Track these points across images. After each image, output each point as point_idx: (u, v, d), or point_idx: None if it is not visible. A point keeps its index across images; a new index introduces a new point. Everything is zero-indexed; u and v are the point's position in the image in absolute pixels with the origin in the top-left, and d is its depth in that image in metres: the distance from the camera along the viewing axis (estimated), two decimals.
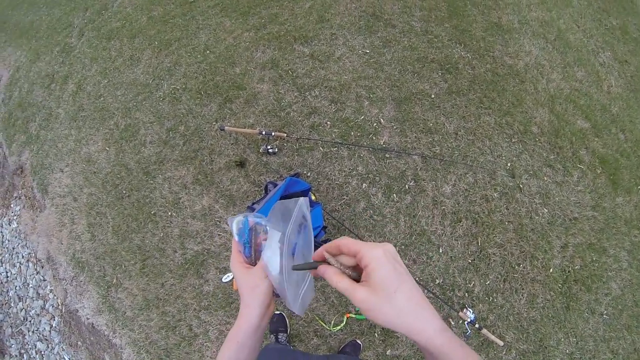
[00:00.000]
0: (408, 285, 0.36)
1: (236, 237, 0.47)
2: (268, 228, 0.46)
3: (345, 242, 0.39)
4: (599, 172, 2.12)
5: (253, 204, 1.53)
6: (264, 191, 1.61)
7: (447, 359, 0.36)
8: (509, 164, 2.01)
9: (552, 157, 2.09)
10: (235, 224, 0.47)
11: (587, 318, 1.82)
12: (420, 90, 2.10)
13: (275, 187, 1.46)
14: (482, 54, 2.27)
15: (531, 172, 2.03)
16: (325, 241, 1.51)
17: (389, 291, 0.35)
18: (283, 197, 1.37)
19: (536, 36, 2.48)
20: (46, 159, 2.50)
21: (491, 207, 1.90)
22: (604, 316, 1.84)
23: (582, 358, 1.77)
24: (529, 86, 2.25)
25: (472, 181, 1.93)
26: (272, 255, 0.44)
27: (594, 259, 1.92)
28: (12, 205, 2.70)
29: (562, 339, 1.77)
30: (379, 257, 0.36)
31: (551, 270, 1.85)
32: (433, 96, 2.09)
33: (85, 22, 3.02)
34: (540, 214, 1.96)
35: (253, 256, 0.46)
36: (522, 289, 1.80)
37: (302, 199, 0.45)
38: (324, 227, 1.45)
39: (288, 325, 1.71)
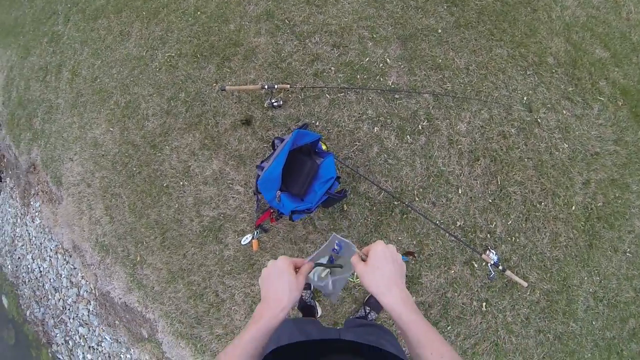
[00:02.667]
0: (387, 269, 0.56)
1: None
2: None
3: (367, 248, 0.60)
4: (620, 104, 1.93)
5: (262, 162, 1.43)
6: (271, 147, 1.51)
7: (405, 327, 0.51)
8: (525, 98, 1.83)
9: (570, 89, 1.90)
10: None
11: (610, 256, 1.73)
12: (426, 26, 1.89)
13: (282, 142, 1.35)
14: None
15: (549, 105, 1.85)
16: (341, 192, 1.41)
17: (374, 268, 0.56)
18: (292, 151, 1.26)
19: None
20: (55, 151, 2.44)
21: (509, 143, 1.76)
22: (627, 254, 1.75)
23: (605, 296, 1.71)
24: (542, 15, 2.02)
25: (488, 117, 1.77)
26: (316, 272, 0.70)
27: (617, 195, 1.79)
28: (32, 203, 2.69)
29: (586, 278, 1.70)
30: (377, 248, 0.58)
31: (573, 207, 1.73)
32: (440, 31, 1.88)
33: (69, 7, 2.83)
34: (560, 150, 1.81)
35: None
36: (545, 227, 1.70)
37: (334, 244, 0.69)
38: (338, 178, 1.34)
39: None
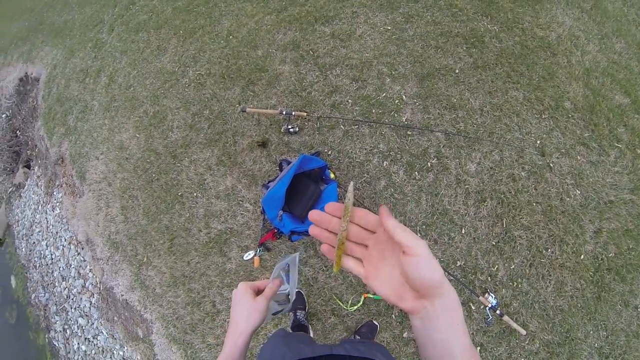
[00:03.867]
0: None
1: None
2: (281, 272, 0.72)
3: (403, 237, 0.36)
4: (639, 151, 1.90)
5: (269, 182, 1.51)
6: (278, 168, 1.59)
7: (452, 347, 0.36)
8: (538, 142, 1.82)
9: (586, 134, 1.88)
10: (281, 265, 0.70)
11: (619, 310, 1.64)
12: (444, 66, 1.92)
13: (289, 164, 1.43)
14: (510, 27, 2.05)
15: (563, 150, 1.82)
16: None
17: (430, 254, 0.35)
18: (298, 175, 1.31)
19: (570, 5, 2.22)
20: (83, 148, 2.60)
21: (518, 186, 1.74)
22: (639, 310, 1.66)
23: (611, 353, 1.60)
24: (561, 59, 2.02)
25: (498, 159, 1.76)
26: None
27: (631, 246, 1.71)
28: (54, 193, 2.85)
29: (591, 332, 1.61)
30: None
31: (582, 256, 1.67)
32: (457, 71, 1.91)
33: (115, 18, 3.09)
34: (572, 196, 1.76)
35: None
36: (550, 275, 1.65)
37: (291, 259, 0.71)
38: None
39: (306, 302, 1.68)
